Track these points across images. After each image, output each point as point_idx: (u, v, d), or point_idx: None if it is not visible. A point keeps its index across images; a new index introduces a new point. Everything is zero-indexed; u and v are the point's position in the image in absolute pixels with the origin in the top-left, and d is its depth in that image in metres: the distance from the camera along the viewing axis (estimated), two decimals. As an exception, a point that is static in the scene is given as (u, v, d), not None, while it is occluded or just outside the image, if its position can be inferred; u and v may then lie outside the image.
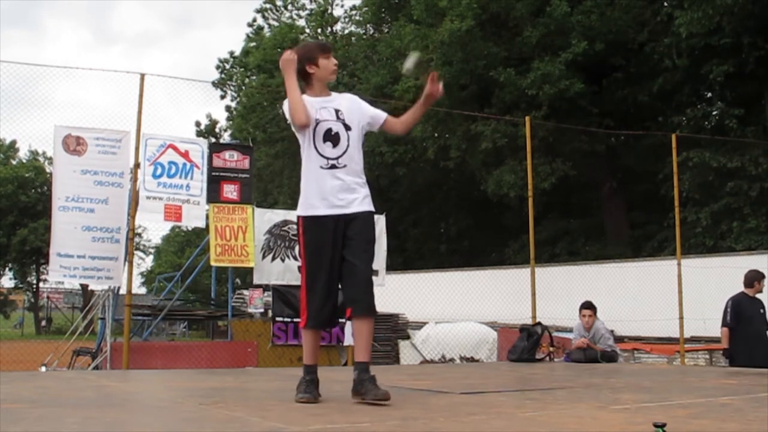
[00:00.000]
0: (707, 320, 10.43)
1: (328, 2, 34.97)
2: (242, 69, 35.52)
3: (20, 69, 8.58)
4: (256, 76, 32.82)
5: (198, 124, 39.82)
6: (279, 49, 31.48)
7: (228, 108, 37.58)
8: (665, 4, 19.28)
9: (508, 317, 13.51)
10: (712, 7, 16.21)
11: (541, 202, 19.81)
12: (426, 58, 19.67)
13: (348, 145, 3.80)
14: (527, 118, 11.62)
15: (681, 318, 11.06)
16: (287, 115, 3.88)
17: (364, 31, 32.88)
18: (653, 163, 19.58)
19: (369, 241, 3.80)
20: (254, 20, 36.19)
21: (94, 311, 12.27)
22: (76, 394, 4.29)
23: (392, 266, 16.02)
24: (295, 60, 3.80)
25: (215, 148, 10.54)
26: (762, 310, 8.03)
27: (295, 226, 11.25)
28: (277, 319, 10.66)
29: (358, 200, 3.77)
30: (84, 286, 28.92)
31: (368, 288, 3.71)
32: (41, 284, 44.22)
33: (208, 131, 39.14)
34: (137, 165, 8.89)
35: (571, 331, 8.82)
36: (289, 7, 35.86)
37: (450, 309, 14.74)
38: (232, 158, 10.09)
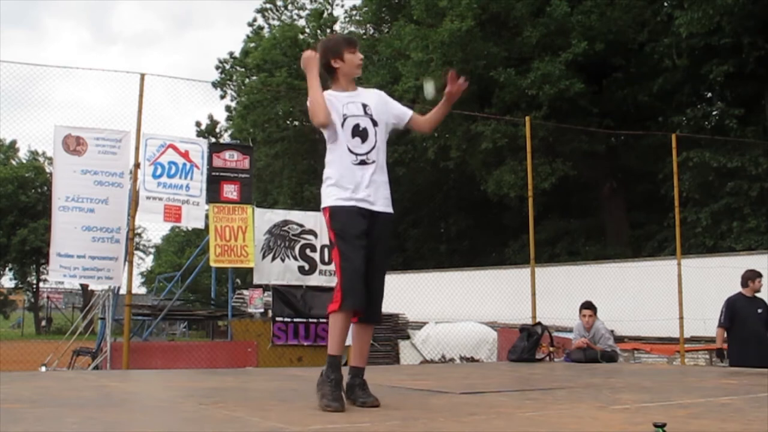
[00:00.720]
0: (707, 320, 10.41)
1: (328, 2, 34.99)
2: (242, 69, 35.53)
3: (20, 69, 8.59)
4: (256, 76, 32.83)
5: (198, 124, 39.86)
6: (279, 49, 31.59)
7: (228, 108, 37.62)
8: (665, 4, 19.30)
9: (508, 317, 13.51)
10: (712, 7, 16.21)
11: (541, 202, 19.81)
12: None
13: (376, 141, 3.73)
14: (527, 118, 11.62)
15: (681, 318, 11.06)
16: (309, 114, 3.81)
17: (364, 31, 32.88)
18: (653, 163, 19.59)
19: (388, 242, 3.76)
20: (254, 20, 36.24)
21: (94, 311, 12.28)
22: (76, 394, 4.28)
23: (392, 266, 16.00)
24: (317, 58, 3.73)
25: (215, 148, 10.54)
26: (760, 310, 8.01)
27: (295, 226, 11.32)
28: (277, 319, 10.65)
29: (383, 199, 3.71)
30: (84, 286, 28.93)
31: (379, 297, 3.67)
32: (41, 284, 44.24)
33: (209, 131, 39.14)
34: (137, 165, 8.89)
35: (571, 331, 8.82)
36: (290, 7, 35.89)
37: (450, 309, 14.74)
38: (232, 158, 10.10)
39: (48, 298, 43.76)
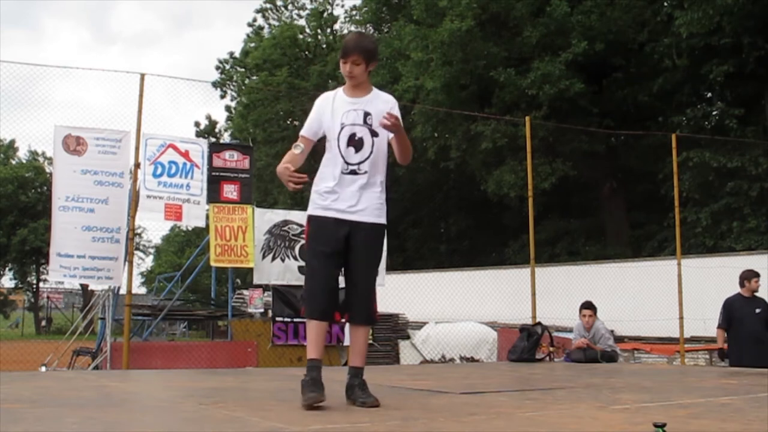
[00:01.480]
0: (707, 320, 10.41)
1: (328, 2, 34.98)
2: (242, 69, 35.53)
3: (20, 69, 8.59)
4: (256, 76, 32.83)
5: (198, 124, 39.81)
6: (279, 49, 31.60)
7: (228, 108, 37.62)
8: (665, 4, 19.29)
9: (508, 317, 13.51)
10: (712, 7, 16.21)
11: (541, 202, 19.81)
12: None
13: (372, 152, 3.71)
14: (527, 118, 11.62)
15: (681, 318, 11.06)
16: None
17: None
18: (653, 163, 19.59)
19: (375, 251, 3.75)
20: (254, 20, 36.25)
21: (94, 311, 12.27)
22: (76, 394, 4.29)
23: (392, 266, 16.03)
24: (291, 183, 3.59)
25: (215, 148, 10.54)
26: (758, 310, 8.01)
27: (295, 226, 11.32)
28: (277, 319, 10.65)
29: (370, 209, 3.70)
30: (84, 286, 28.93)
31: (368, 298, 3.71)
32: (41, 284, 44.23)
33: (208, 131, 39.12)
34: (137, 165, 8.88)
35: (571, 331, 8.83)
36: (289, 6, 35.89)
37: (450, 309, 14.74)
38: (232, 158, 10.09)
39: (48, 298, 43.74)
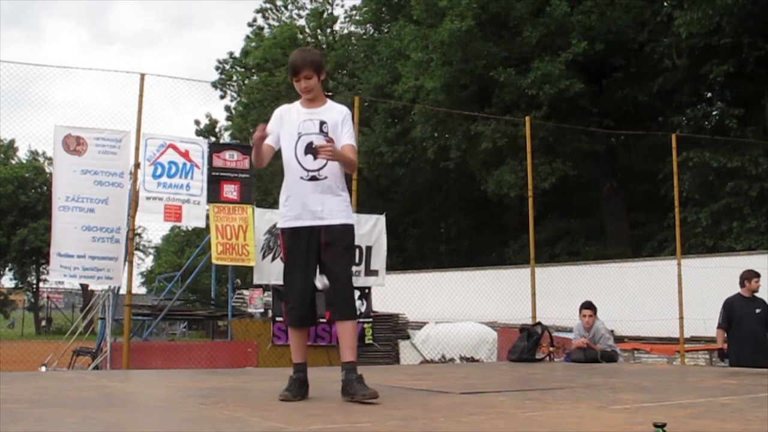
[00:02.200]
0: (707, 320, 10.41)
1: (328, 2, 34.98)
2: (242, 69, 35.52)
3: (19, 69, 8.58)
4: (256, 76, 32.83)
5: (198, 122, 39.77)
6: (279, 48, 31.59)
7: (227, 108, 37.60)
8: (665, 4, 19.28)
9: (508, 317, 13.51)
10: (712, 7, 16.20)
11: (541, 202, 19.81)
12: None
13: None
14: (527, 118, 11.63)
15: (681, 318, 11.06)
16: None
17: (364, 31, 32.87)
18: (653, 163, 19.59)
19: (346, 247, 3.97)
20: (254, 20, 36.23)
21: (94, 311, 12.27)
22: (76, 394, 4.29)
23: (392, 266, 16.00)
24: (258, 137, 3.87)
25: (215, 148, 10.52)
26: (758, 310, 8.01)
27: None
28: (277, 319, 10.62)
29: (336, 211, 3.92)
30: (84, 286, 28.92)
31: (346, 292, 3.90)
32: (41, 284, 44.24)
33: (208, 131, 39.10)
34: (137, 165, 8.88)
35: (571, 331, 8.82)
36: (289, 6, 35.88)
37: (450, 309, 14.74)
38: (232, 158, 10.08)
39: (48, 298, 43.74)
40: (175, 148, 9.25)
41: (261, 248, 10.02)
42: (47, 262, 10.09)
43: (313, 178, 3.90)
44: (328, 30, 34.83)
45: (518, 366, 7.32)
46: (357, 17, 32.95)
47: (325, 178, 3.90)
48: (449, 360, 12.49)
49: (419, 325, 13.84)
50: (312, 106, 4.02)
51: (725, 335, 8.11)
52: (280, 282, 10.19)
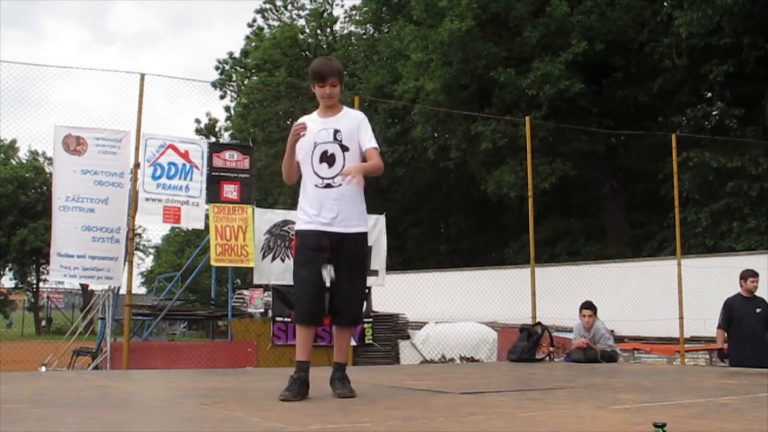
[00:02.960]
0: (707, 320, 10.42)
1: (327, 2, 34.97)
2: (242, 69, 35.51)
3: (19, 69, 8.58)
4: (256, 76, 32.82)
5: (198, 121, 39.74)
6: (279, 49, 31.58)
7: (227, 108, 37.57)
8: (665, 4, 19.27)
9: (508, 317, 13.51)
10: (712, 7, 16.21)
11: (541, 202, 19.81)
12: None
13: (344, 166, 3.99)
14: (527, 118, 11.62)
15: (681, 318, 11.06)
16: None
17: (364, 31, 32.87)
18: (653, 163, 19.58)
19: (358, 258, 4.08)
20: (254, 20, 36.21)
21: (94, 311, 12.28)
22: (76, 394, 4.29)
23: (392, 266, 16.01)
24: (294, 133, 3.98)
25: (215, 148, 10.52)
26: (759, 310, 8.01)
27: (295, 226, 11.33)
28: (277, 319, 10.65)
29: (348, 219, 3.99)
30: (84, 286, 28.93)
31: (353, 302, 4.03)
32: (41, 284, 44.23)
33: (208, 130, 39.07)
34: (137, 165, 8.88)
35: (571, 331, 8.82)
36: (289, 7, 35.86)
37: (450, 309, 14.74)
38: (232, 158, 10.08)
39: (48, 298, 43.75)
40: (174, 148, 9.25)
41: (261, 248, 10.03)
42: (47, 262, 10.10)
43: (328, 186, 3.98)
44: (328, 30, 34.82)
45: (518, 366, 7.31)
46: (357, 17, 32.95)
47: (340, 185, 3.97)
48: (449, 360, 12.50)
49: (419, 325, 13.84)
50: (328, 114, 4.11)
51: (725, 335, 8.11)
52: (280, 282, 10.31)
